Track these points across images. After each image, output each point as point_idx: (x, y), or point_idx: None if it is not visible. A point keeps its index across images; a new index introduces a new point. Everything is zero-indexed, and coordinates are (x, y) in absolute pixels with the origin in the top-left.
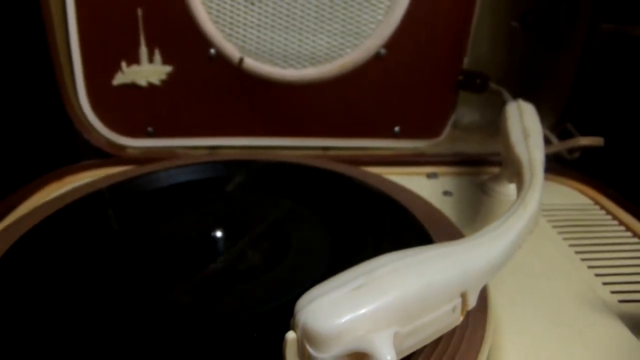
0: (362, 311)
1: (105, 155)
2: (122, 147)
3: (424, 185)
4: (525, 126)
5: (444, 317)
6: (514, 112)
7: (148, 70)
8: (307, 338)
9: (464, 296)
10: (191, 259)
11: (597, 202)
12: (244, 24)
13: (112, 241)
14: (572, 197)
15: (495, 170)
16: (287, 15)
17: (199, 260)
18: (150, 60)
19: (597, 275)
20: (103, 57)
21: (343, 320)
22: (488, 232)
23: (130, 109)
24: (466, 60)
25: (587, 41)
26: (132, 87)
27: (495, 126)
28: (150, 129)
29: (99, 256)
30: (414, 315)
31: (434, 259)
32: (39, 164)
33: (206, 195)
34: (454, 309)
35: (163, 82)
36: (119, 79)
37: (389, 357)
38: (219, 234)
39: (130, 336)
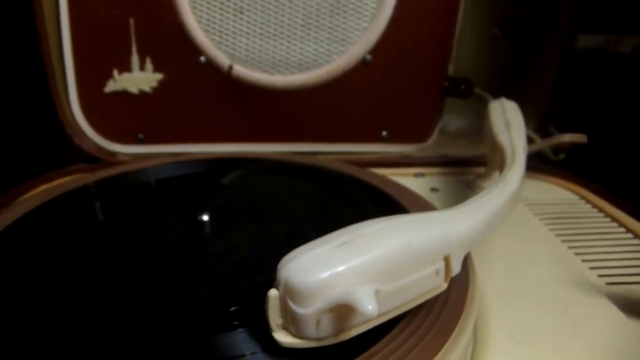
0: (344, 266)
1: (95, 160)
2: (113, 153)
3: (412, 184)
4: (507, 119)
5: (427, 280)
6: (497, 108)
7: (139, 78)
8: (289, 294)
9: (447, 260)
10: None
11: (582, 197)
12: (234, 32)
13: (99, 231)
14: (558, 193)
15: (481, 170)
16: (275, 24)
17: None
18: (142, 68)
19: (584, 261)
20: (95, 64)
21: (325, 275)
22: (470, 202)
23: (122, 115)
24: (451, 68)
25: (565, 47)
26: (123, 94)
27: (481, 132)
28: (140, 135)
29: (85, 245)
30: (396, 274)
31: (416, 222)
32: (27, 168)
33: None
34: (437, 272)
35: (154, 89)
36: (110, 86)
37: (370, 307)
38: (205, 217)
39: (123, 312)
